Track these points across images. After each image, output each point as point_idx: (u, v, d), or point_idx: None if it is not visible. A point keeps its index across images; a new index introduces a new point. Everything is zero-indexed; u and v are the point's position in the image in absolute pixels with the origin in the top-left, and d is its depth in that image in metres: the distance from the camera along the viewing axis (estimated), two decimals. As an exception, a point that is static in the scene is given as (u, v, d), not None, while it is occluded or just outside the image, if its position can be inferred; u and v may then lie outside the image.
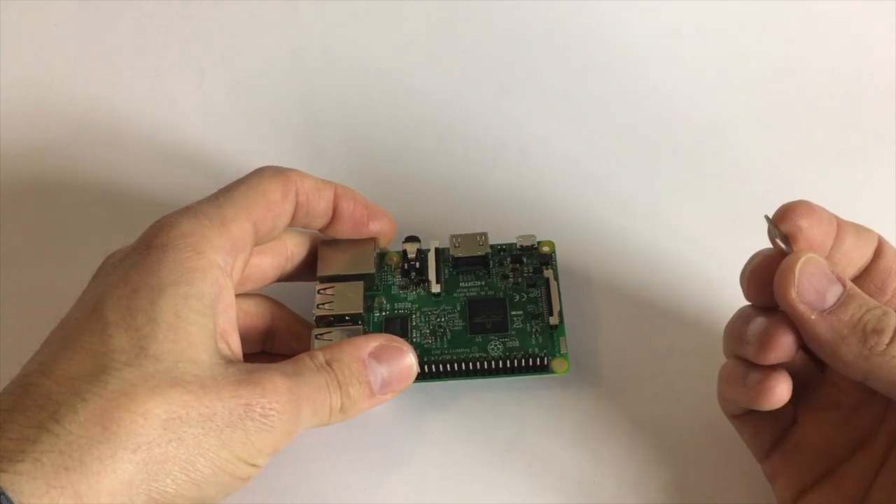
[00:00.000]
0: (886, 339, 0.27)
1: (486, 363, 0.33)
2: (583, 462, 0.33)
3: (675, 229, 0.39)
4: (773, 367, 0.28)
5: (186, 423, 0.25)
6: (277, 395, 0.27)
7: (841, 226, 0.29)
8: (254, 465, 0.28)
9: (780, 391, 0.28)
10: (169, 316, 0.27)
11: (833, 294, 0.27)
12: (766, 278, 0.29)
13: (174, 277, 0.27)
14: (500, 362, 0.33)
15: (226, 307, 0.29)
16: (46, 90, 0.41)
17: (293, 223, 0.33)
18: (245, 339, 0.32)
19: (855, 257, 0.29)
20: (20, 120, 0.40)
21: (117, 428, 0.24)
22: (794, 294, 0.27)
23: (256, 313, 0.34)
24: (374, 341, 0.31)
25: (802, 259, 0.28)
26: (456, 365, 0.33)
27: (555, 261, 0.36)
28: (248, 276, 0.33)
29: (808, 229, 0.29)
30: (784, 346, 0.28)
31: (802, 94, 0.42)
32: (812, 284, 0.28)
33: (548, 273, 0.35)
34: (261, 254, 0.33)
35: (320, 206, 0.33)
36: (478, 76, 0.42)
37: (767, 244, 0.30)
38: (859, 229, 0.30)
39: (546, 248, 0.36)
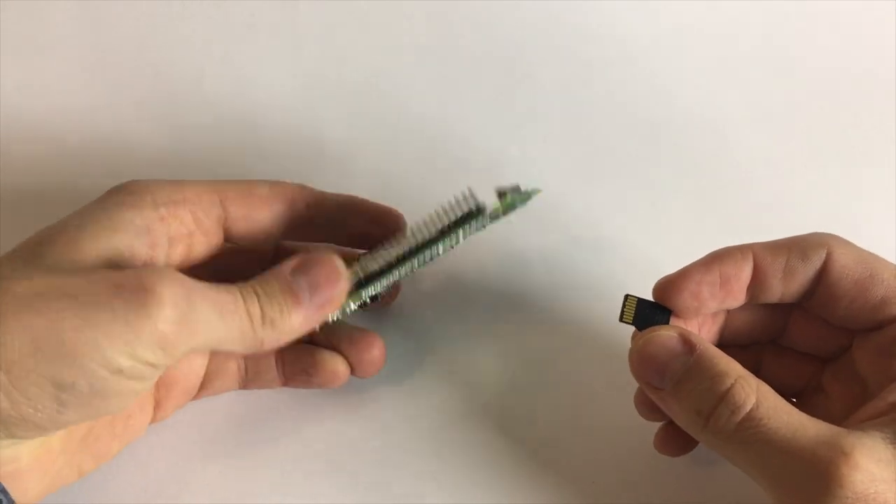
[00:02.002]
0: (703, 419, 0.27)
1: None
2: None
3: (675, 229, 0.39)
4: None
5: (47, 298, 0.25)
6: (157, 279, 0.26)
7: (760, 264, 0.29)
8: (133, 359, 0.25)
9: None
10: (71, 229, 0.28)
11: (671, 371, 0.28)
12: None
13: (99, 208, 0.29)
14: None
15: (152, 243, 0.29)
16: (46, 90, 0.41)
17: (305, 236, 0.33)
18: None
19: (782, 289, 0.29)
20: (20, 120, 0.40)
21: None
22: (635, 376, 0.29)
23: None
24: (294, 259, 0.30)
25: (642, 340, 0.28)
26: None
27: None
28: (245, 232, 0.32)
29: (687, 302, 0.29)
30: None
31: (803, 93, 0.42)
32: (648, 366, 0.28)
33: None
34: (259, 207, 0.32)
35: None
36: (478, 76, 0.42)
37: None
38: (791, 257, 0.29)
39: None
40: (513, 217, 0.39)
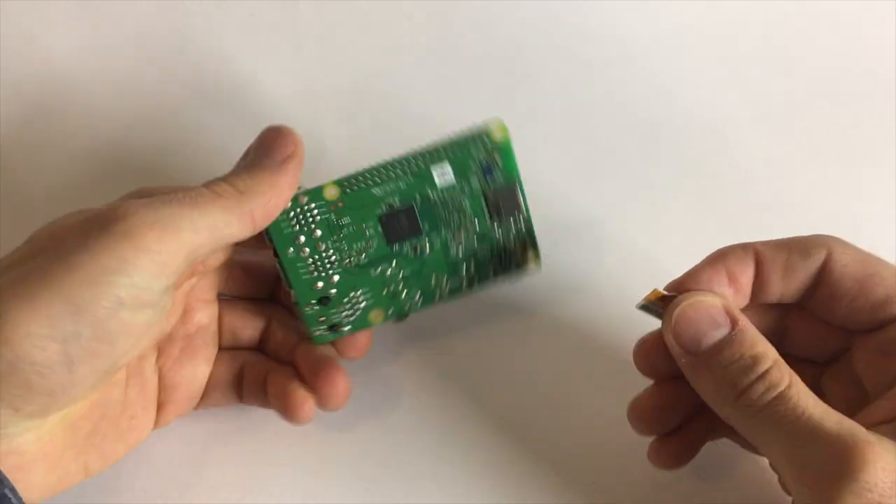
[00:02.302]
0: (737, 392, 0.27)
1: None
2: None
3: (675, 229, 0.39)
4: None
5: (33, 258, 0.26)
6: (117, 205, 0.27)
7: (762, 262, 0.29)
8: (129, 287, 0.26)
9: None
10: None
11: (710, 339, 0.27)
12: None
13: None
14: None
15: None
16: (46, 90, 0.41)
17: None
18: None
19: (782, 287, 0.30)
20: (20, 119, 0.40)
21: None
22: (669, 337, 0.28)
23: None
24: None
25: (685, 302, 0.28)
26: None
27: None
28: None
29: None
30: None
31: (803, 93, 0.42)
32: (687, 329, 0.28)
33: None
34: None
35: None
36: (478, 75, 0.42)
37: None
38: (791, 255, 0.29)
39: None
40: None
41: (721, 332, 0.27)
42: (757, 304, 0.31)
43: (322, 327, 0.33)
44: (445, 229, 0.32)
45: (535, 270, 0.33)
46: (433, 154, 0.32)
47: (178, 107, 0.41)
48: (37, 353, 0.24)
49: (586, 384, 0.35)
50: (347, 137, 0.41)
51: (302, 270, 0.32)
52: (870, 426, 0.26)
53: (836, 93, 0.42)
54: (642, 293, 0.32)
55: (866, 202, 0.40)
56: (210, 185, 0.29)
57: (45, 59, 0.42)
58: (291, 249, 0.32)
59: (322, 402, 0.32)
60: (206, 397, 0.34)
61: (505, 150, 0.32)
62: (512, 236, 0.33)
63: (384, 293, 0.33)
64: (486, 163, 0.32)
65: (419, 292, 0.33)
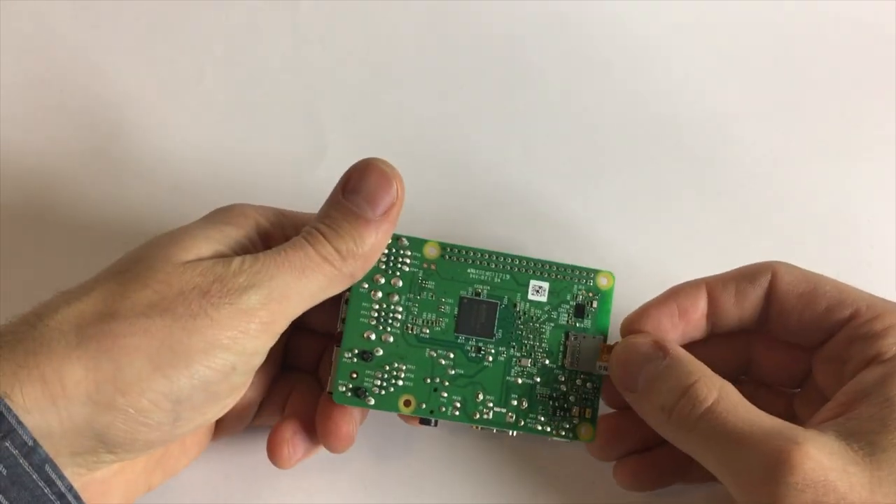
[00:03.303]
0: (667, 412, 0.29)
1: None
2: None
3: (676, 228, 0.39)
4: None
5: (151, 316, 0.26)
6: (240, 276, 0.27)
7: (713, 294, 0.31)
8: (241, 354, 0.27)
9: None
10: (178, 234, 0.29)
11: (645, 373, 0.29)
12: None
13: (204, 221, 0.30)
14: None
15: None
16: (46, 89, 0.41)
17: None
18: None
19: (738, 313, 0.31)
20: (20, 119, 0.40)
21: (86, 325, 0.26)
22: (615, 381, 0.31)
23: None
24: (342, 180, 0.30)
25: (619, 345, 0.31)
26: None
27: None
28: None
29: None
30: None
31: (806, 91, 0.42)
32: (624, 369, 0.30)
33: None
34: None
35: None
36: (479, 75, 0.42)
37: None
38: (740, 283, 0.31)
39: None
40: (513, 217, 0.39)
41: (656, 364, 0.29)
42: (719, 332, 0.32)
43: (349, 384, 0.31)
44: (516, 346, 0.31)
45: (584, 441, 0.32)
46: (539, 267, 0.32)
47: (177, 105, 0.41)
48: (150, 408, 0.26)
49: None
50: (347, 137, 0.41)
51: (363, 311, 0.31)
52: (818, 424, 0.27)
53: (839, 91, 0.42)
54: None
55: (867, 201, 0.40)
56: (315, 243, 0.28)
57: (45, 59, 0.42)
58: (366, 285, 0.31)
59: (331, 445, 0.32)
60: (260, 415, 0.34)
61: (604, 298, 0.32)
62: (575, 392, 0.31)
63: (426, 382, 0.31)
64: (581, 302, 0.32)
65: (460, 401, 0.31)
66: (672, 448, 0.30)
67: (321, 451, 0.32)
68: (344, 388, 0.31)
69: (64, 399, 0.24)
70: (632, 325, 0.32)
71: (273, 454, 0.31)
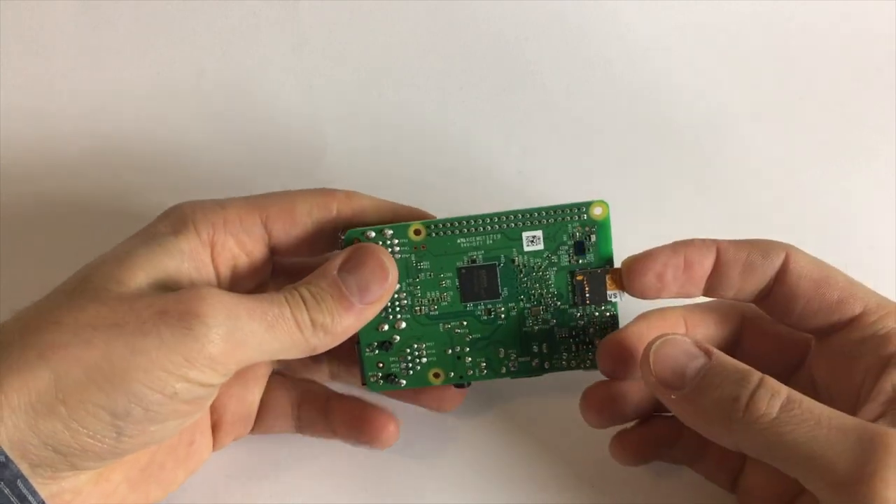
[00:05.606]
0: (742, 406, 0.26)
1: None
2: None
3: (676, 228, 0.39)
4: None
5: (96, 329, 0.26)
6: (199, 301, 0.26)
7: (722, 257, 0.30)
8: (186, 381, 0.26)
9: None
10: (121, 255, 0.28)
11: (692, 370, 0.28)
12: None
13: (147, 235, 0.30)
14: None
15: (198, 266, 0.30)
16: (46, 88, 0.41)
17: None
18: None
19: (740, 284, 0.30)
20: (20, 119, 0.40)
21: (29, 334, 0.26)
22: (652, 380, 0.28)
23: None
24: (341, 256, 0.30)
25: (658, 342, 0.28)
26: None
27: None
28: (288, 248, 0.32)
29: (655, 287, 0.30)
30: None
31: (806, 90, 0.42)
32: (667, 365, 0.28)
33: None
34: (300, 224, 0.31)
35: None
36: (479, 75, 0.42)
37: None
38: (752, 254, 0.30)
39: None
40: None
41: (700, 362, 0.28)
42: (712, 297, 0.31)
43: (378, 373, 0.32)
44: (525, 298, 0.31)
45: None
46: (527, 217, 0.31)
47: (177, 105, 0.41)
48: (90, 420, 0.25)
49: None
50: (347, 137, 0.41)
51: None
52: (874, 420, 0.27)
53: (839, 91, 0.42)
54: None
55: (869, 200, 0.40)
56: (293, 305, 0.28)
57: (45, 59, 0.42)
58: None
59: (378, 444, 0.33)
60: (261, 422, 0.33)
61: (602, 228, 0.31)
62: (593, 324, 0.31)
63: (448, 353, 0.31)
64: (579, 238, 0.31)
65: (484, 361, 0.32)
66: (658, 424, 0.30)
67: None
68: (375, 379, 0.32)
69: (9, 409, 0.24)
70: (634, 264, 0.31)
71: (384, 438, 0.32)
